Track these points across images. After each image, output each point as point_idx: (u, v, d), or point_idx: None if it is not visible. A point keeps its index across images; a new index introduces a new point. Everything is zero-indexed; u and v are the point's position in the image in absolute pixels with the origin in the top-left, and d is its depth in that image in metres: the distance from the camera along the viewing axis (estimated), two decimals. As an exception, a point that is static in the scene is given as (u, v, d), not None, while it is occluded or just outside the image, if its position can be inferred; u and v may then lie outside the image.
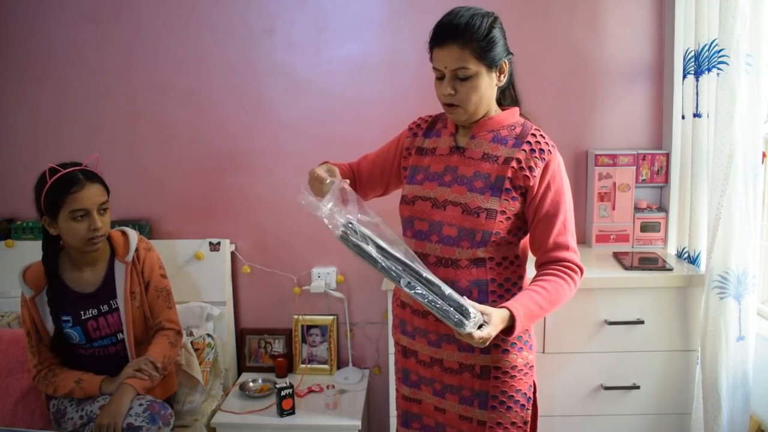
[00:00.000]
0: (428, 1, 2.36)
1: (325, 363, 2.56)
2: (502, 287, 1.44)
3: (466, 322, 1.23)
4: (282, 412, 2.19)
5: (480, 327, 1.27)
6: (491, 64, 1.37)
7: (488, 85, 1.39)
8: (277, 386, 2.20)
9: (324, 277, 2.54)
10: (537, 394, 1.52)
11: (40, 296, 1.83)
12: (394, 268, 1.27)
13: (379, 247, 1.27)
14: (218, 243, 2.47)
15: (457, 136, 1.49)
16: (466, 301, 1.28)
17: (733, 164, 1.78)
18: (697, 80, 2.03)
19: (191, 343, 2.22)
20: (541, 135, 1.44)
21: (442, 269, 1.43)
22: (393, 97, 2.43)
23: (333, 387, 2.30)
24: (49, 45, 2.49)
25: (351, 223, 1.28)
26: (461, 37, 1.33)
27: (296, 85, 2.46)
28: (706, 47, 1.95)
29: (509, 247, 1.45)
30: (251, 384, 2.40)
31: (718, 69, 1.82)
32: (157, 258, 1.99)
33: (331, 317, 2.55)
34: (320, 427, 2.18)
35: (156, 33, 2.46)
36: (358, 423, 2.17)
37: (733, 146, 1.78)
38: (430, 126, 1.56)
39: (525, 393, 1.48)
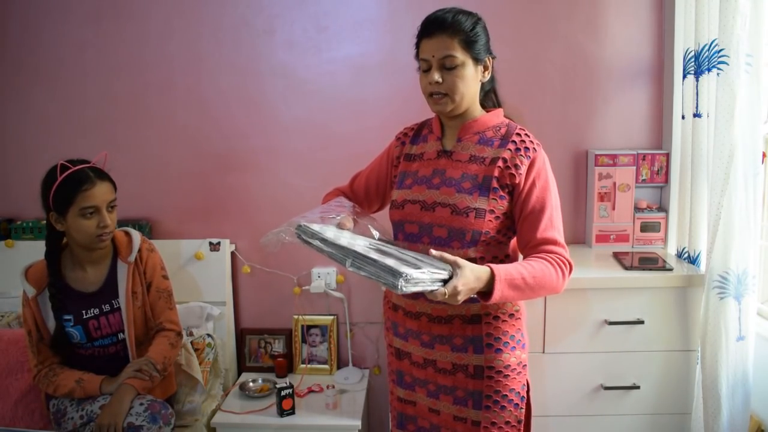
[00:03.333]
0: (428, 1, 2.36)
1: (325, 363, 2.56)
2: None
3: (397, 282, 1.20)
4: (282, 412, 2.19)
5: (446, 282, 1.24)
6: (476, 57, 1.42)
7: (473, 77, 1.43)
8: (277, 386, 2.20)
9: (324, 277, 2.54)
10: (531, 393, 1.52)
11: (42, 295, 1.83)
12: (337, 253, 1.32)
13: (324, 240, 1.35)
14: (218, 243, 2.47)
15: (443, 141, 1.51)
16: (406, 268, 1.22)
17: (733, 164, 1.78)
18: (697, 80, 2.03)
19: (191, 343, 2.23)
20: (525, 134, 1.46)
21: None
22: (393, 97, 2.43)
23: (333, 387, 2.29)
24: (49, 44, 2.49)
25: (300, 225, 1.42)
26: (450, 28, 1.39)
27: (296, 85, 2.46)
28: (706, 47, 1.95)
29: (500, 246, 1.47)
30: (251, 384, 2.40)
31: (718, 69, 1.82)
32: (159, 259, 1.99)
33: (331, 317, 2.55)
34: (320, 427, 2.18)
35: (156, 33, 2.46)
36: (358, 423, 2.17)
37: (733, 146, 1.78)
38: (416, 133, 1.59)
39: (518, 392, 1.49)
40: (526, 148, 1.43)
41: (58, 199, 1.75)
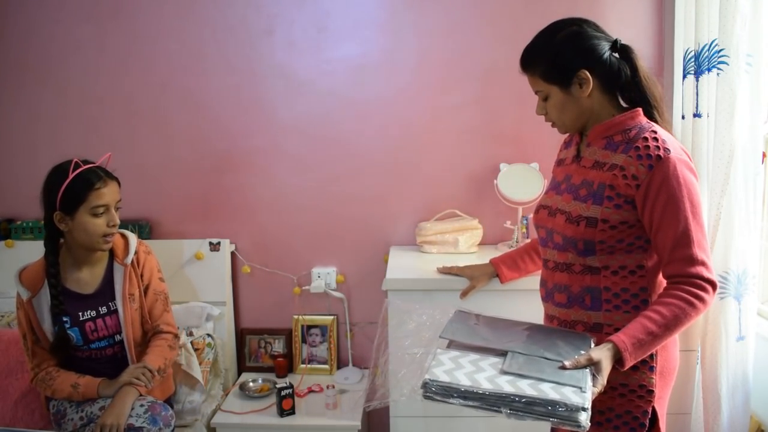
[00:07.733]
0: (428, 1, 2.36)
1: (325, 363, 2.56)
2: (618, 297, 1.37)
3: (578, 417, 1.10)
4: (282, 412, 2.19)
5: (594, 380, 1.21)
6: (562, 82, 1.37)
7: (570, 101, 1.38)
8: (277, 386, 2.20)
9: (324, 277, 2.54)
10: (660, 424, 1.41)
11: (37, 298, 1.83)
12: (485, 405, 1.16)
13: (463, 395, 1.17)
14: (218, 243, 2.47)
15: (581, 145, 1.48)
16: (574, 395, 1.13)
17: (733, 164, 1.78)
18: (697, 80, 2.03)
19: (191, 343, 2.23)
20: (654, 138, 1.31)
21: (559, 273, 1.44)
22: (393, 97, 2.43)
23: (333, 387, 2.30)
24: (48, 44, 2.49)
25: (426, 383, 1.19)
26: (528, 65, 1.41)
27: (296, 85, 2.46)
28: (706, 47, 1.94)
29: (629, 256, 1.37)
30: (251, 384, 2.40)
31: (718, 69, 1.82)
32: (156, 262, 2.00)
33: (331, 317, 2.55)
34: (320, 427, 2.18)
35: (155, 32, 2.45)
36: (358, 423, 2.17)
37: (733, 146, 1.78)
38: (570, 137, 1.58)
39: (637, 416, 1.38)
40: (649, 155, 1.29)
41: (67, 197, 1.75)
